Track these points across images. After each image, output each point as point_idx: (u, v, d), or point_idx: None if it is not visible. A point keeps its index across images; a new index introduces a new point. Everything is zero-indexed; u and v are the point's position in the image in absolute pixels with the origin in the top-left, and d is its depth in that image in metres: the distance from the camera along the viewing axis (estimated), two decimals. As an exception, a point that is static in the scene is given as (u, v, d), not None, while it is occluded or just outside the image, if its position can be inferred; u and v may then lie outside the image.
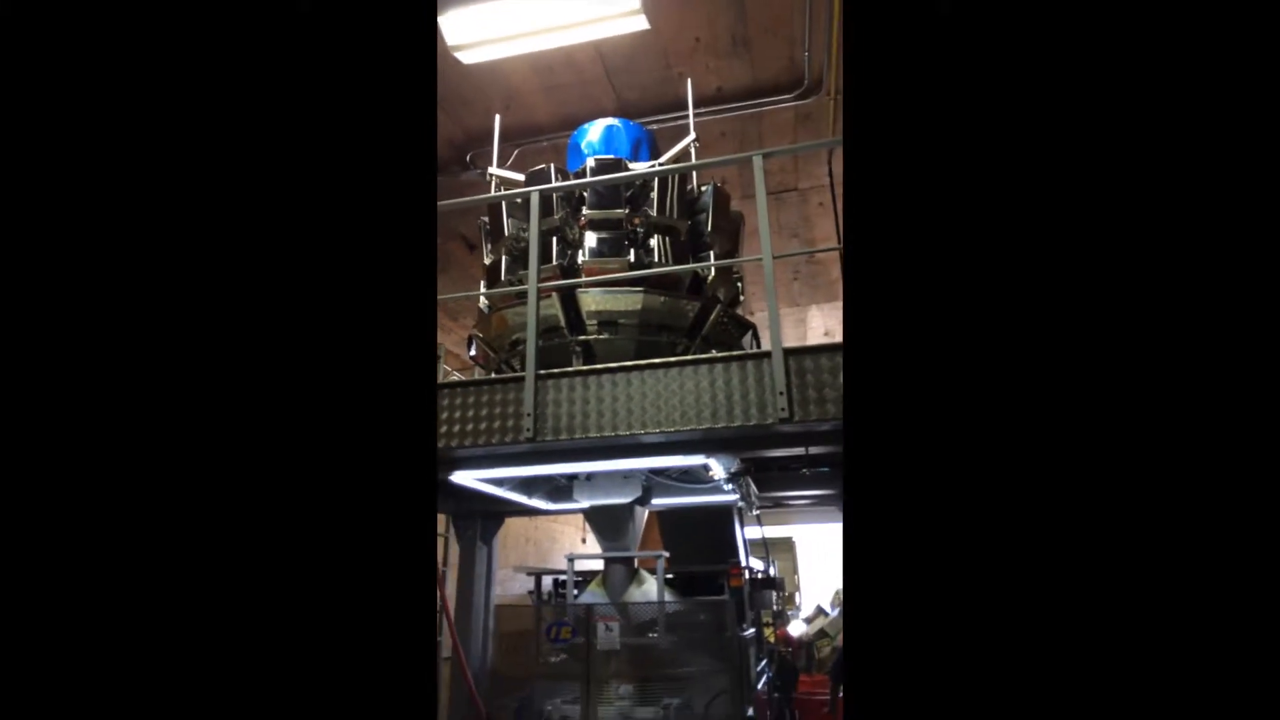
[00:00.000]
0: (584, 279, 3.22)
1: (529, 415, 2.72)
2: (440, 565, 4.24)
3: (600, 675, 3.11)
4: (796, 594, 8.81)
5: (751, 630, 3.72)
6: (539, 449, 2.84)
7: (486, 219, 3.88)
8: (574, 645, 3.21)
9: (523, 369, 2.84)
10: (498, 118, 4.36)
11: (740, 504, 3.90)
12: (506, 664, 3.58)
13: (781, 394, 2.51)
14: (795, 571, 9.05)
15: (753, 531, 5.17)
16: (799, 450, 2.97)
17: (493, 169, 4.02)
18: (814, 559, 9.67)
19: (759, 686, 3.64)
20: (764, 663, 4.21)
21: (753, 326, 3.71)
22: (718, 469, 3.10)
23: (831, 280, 6.52)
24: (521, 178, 3.83)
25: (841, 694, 5.04)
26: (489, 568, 4.52)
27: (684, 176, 3.65)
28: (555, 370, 2.80)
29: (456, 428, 2.79)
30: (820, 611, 7.79)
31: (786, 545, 8.87)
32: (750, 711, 3.20)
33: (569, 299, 3.24)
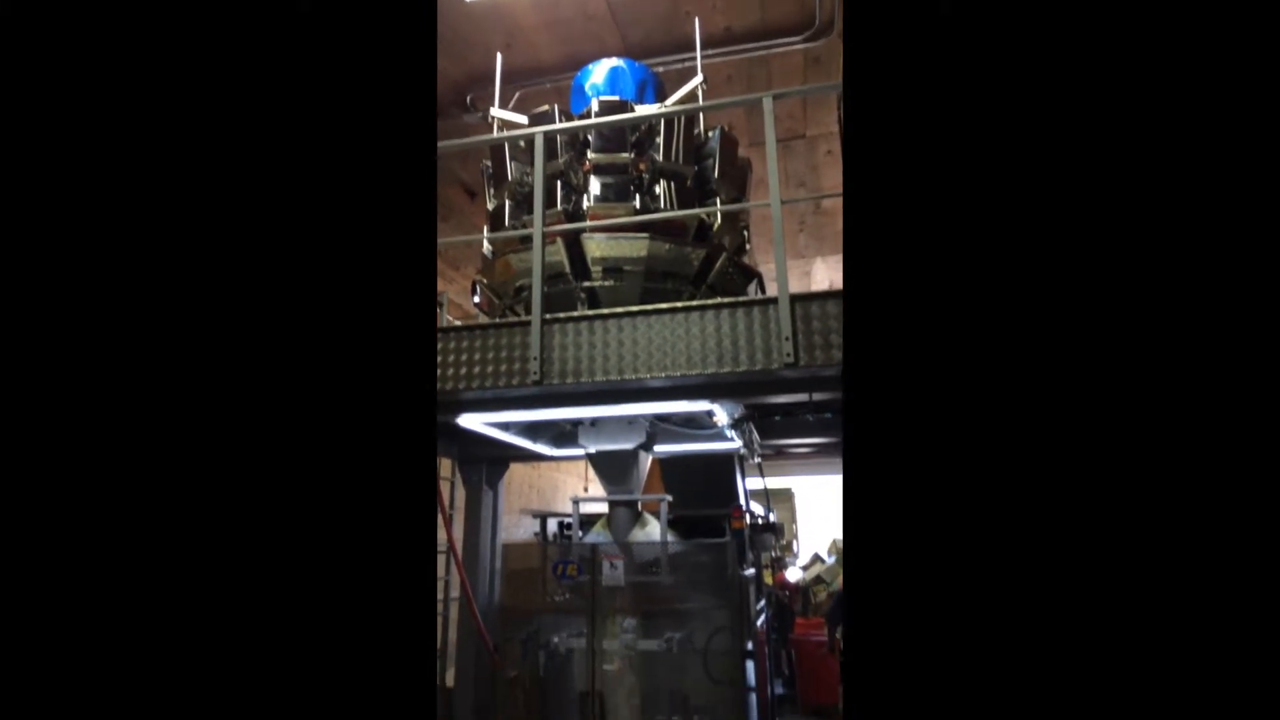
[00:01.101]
0: (589, 223, 3.20)
1: (535, 359, 2.74)
2: (446, 508, 4.33)
3: (605, 610, 3.22)
4: (795, 542, 9.03)
5: (751, 571, 3.83)
6: (545, 392, 2.87)
7: (489, 163, 3.82)
8: (579, 583, 3.32)
9: (527, 315, 2.85)
10: (499, 56, 4.24)
11: (742, 451, 3.96)
12: (514, 600, 3.71)
13: (787, 339, 2.52)
14: (794, 521, 9.25)
15: (754, 482, 5.27)
16: (802, 396, 2.99)
17: (494, 110, 3.94)
18: (812, 510, 9.88)
19: (758, 624, 3.76)
20: (762, 603, 4.35)
21: (758, 275, 3.70)
22: (721, 415, 3.14)
23: (837, 232, 6.45)
24: (524, 120, 3.75)
25: (839, 636, 5.23)
26: (495, 511, 4.63)
27: (691, 120, 3.57)
28: (561, 315, 2.81)
29: (464, 370, 2.82)
30: (817, 559, 8.00)
31: (786, 496, 9.05)
32: (749, 646, 3.33)
33: (574, 245, 3.22)
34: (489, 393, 2.87)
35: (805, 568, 8.07)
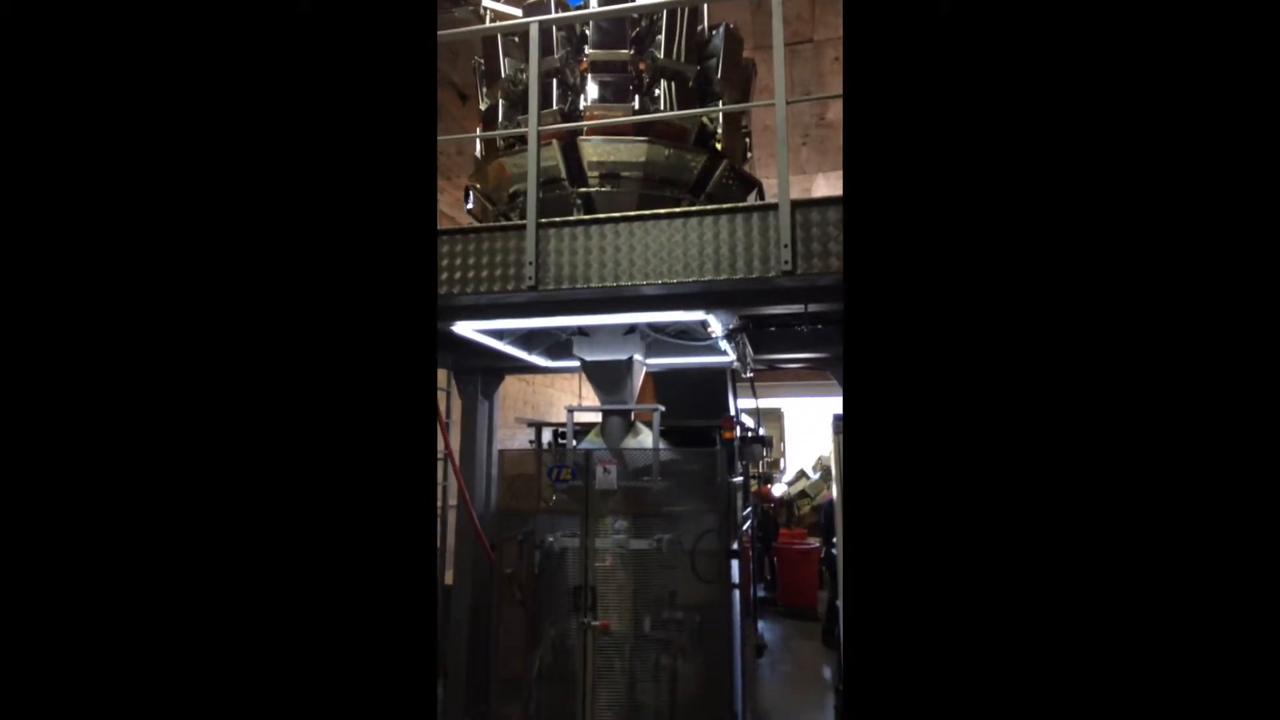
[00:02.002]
0: (586, 122, 3.08)
1: (530, 264, 2.71)
2: (443, 417, 4.41)
3: (598, 512, 3.35)
4: (782, 460, 9.31)
5: (740, 479, 3.96)
6: (540, 299, 2.86)
7: (481, 60, 3.63)
8: (574, 487, 3.43)
9: (522, 220, 2.79)
10: (490, -59, 3.93)
11: (735, 365, 4.00)
12: (510, 503, 3.83)
13: (786, 246, 2.49)
14: (782, 440, 9.50)
15: (746, 402, 5.37)
16: (798, 307, 3.00)
17: (487, 0, 3.69)
18: (800, 430, 10.12)
19: (744, 529, 3.93)
20: (749, 510, 4.53)
21: (758, 185, 3.61)
22: (716, 326, 3.14)
23: (840, 147, 6.25)
24: (518, 11, 3.53)
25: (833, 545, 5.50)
26: (490, 420, 4.71)
27: (694, 15, 3.37)
28: (557, 219, 2.75)
29: (458, 275, 2.78)
30: (802, 474, 8.27)
31: (775, 415, 9.24)
32: (735, 547, 3.49)
33: (570, 148, 3.11)
34: (483, 298, 2.85)
35: (790, 483, 8.36)
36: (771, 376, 8.89)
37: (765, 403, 8.32)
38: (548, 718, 3.28)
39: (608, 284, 2.66)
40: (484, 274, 2.77)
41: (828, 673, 4.98)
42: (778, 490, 8.09)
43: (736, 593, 3.55)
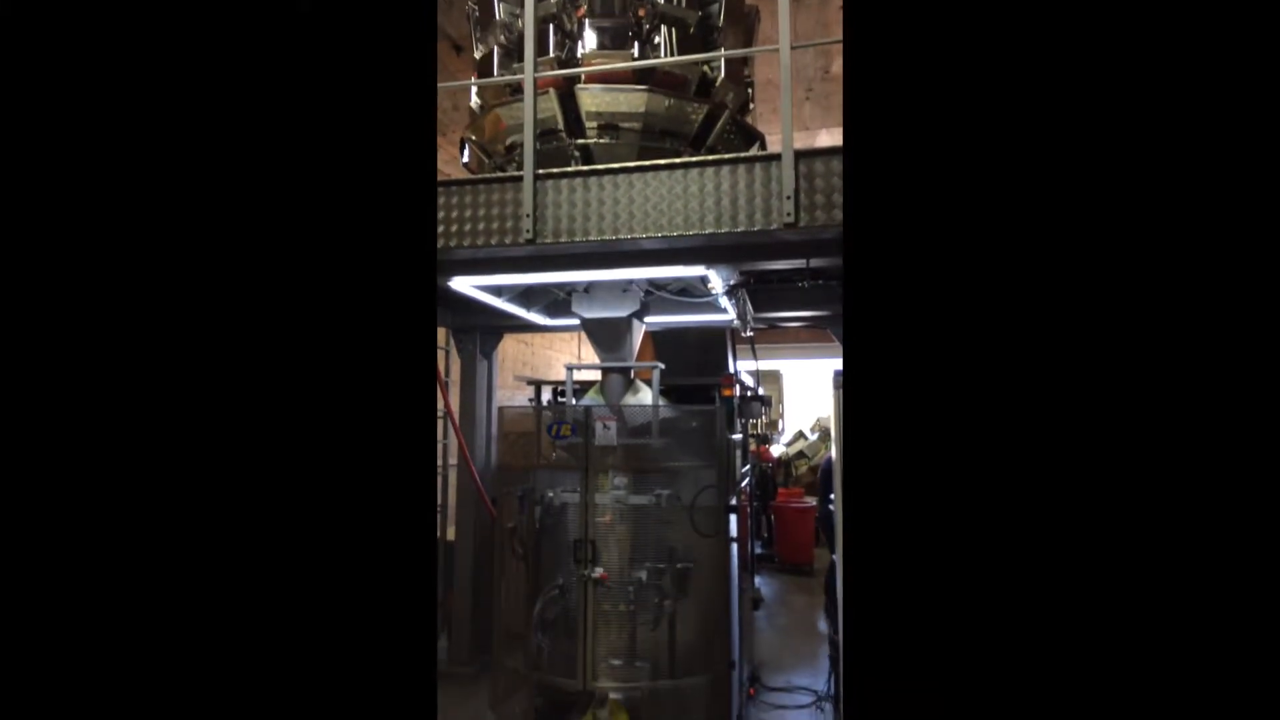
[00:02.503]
0: (584, 69, 2.99)
1: (528, 216, 2.66)
2: (442, 376, 4.40)
3: (598, 467, 3.37)
4: (780, 421, 9.36)
5: (739, 436, 3.98)
6: (539, 252, 2.82)
7: (475, 5, 3.50)
8: (574, 444, 3.44)
9: (519, 172, 2.73)
10: (483, -122, 3.75)
11: (735, 323, 3.98)
12: (510, 459, 3.86)
13: (788, 198, 2.44)
14: (780, 401, 9.54)
15: (746, 364, 5.36)
16: (799, 262, 2.96)
17: (480, -58, 3.55)
18: (798, 391, 10.15)
19: (742, 485, 3.97)
20: (748, 467, 4.57)
21: (760, 137, 3.53)
22: (716, 281, 3.11)
23: (845, 102, 6.10)
24: (513, -46, 3.39)
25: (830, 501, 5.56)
26: (489, 379, 4.71)
27: (696, -43, 3.24)
28: (555, 170, 2.70)
29: (455, 227, 2.74)
30: (800, 435, 8.33)
31: (774, 377, 9.26)
32: (733, 501, 3.53)
33: (567, 97, 3.03)
34: (481, 252, 2.82)
35: (789, 444, 8.43)
36: (771, 337, 8.88)
37: (764, 364, 8.34)
38: (550, 667, 3.36)
39: (606, 237, 2.62)
40: (480, 226, 2.73)
41: (823, 625, 5.11)
42: (776, 451, 8.16)
43: (734, 546, 3.60)
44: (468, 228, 2.74)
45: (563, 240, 2.66)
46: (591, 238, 2.63)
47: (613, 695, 3.18)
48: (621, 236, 2.61)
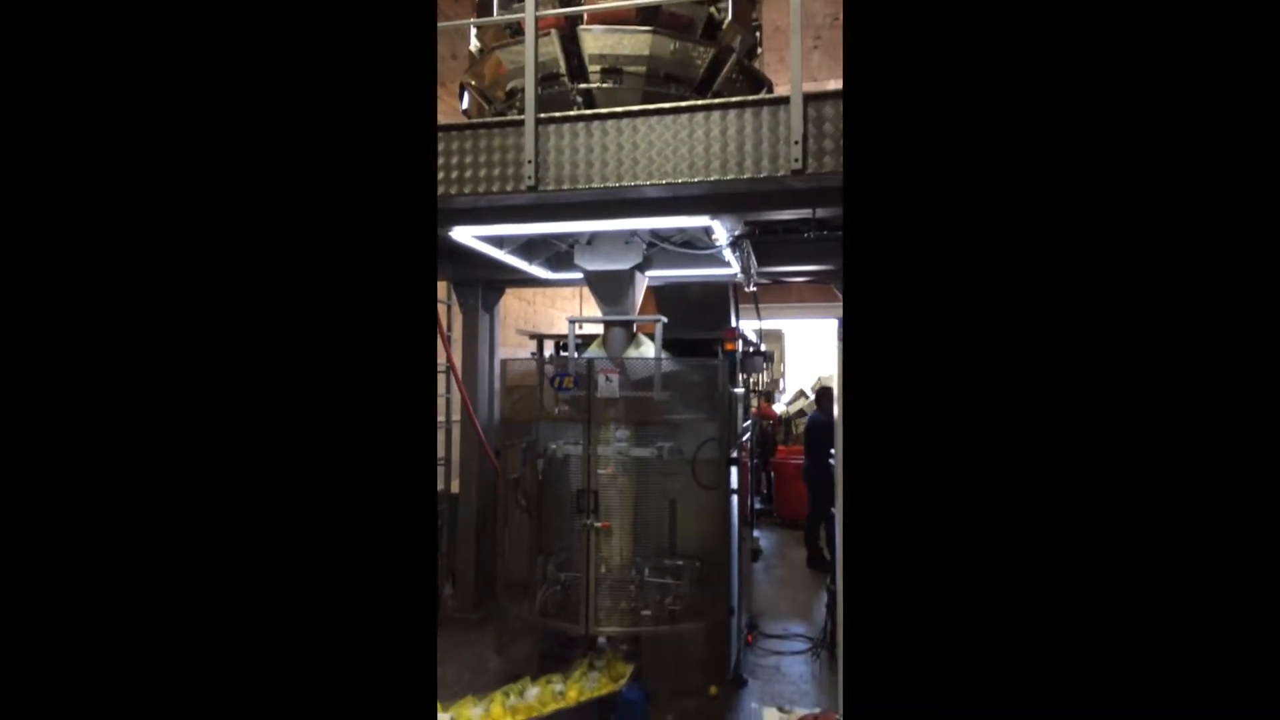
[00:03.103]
0: (587, 7, 2.88)
1: (530, 162, 2.61)
2: (444, 330, 4.39)
3: (600, 420, 3.39)
4: (781, 380, 9.38)
5: (741, 390, 3.98)
6: (540, 201, 2.77)
7: (472, -58, 3.36)
8: (576, 396, 3.45)
9: (521, 116, 2.66)
10: None
11: (739, 277, 3.94)
12: (513, 412, 3.88)
13: (796, 143, 2.38)
14: (782, 361, 9.54)
15: (749, 323, 5.33)
16: (805, 213, 2.91)
17: (477, -127, 3.39)
18: (800, 351, 10.15)
19: (743, 439, 4.00)
20: (749, 422, 4.59)
21: (768, 83, 3.43)
22: (720, 232, 3.06)
23: (855, 51, 5.91)
24: (511, -115, 3.24)
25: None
26: (492, 333, 4.70)
27: (704, -111, 3.09)
28: (557, 114, 2.63)
29: (455, 174, 2.69)
30: (801, 394, 8.35)
31: (776, 336, 9.24)
32: (734, 454, 3.56)
33: (570, 39, 2.93)
34: (482, 200, 2.77)
35: (790, 403, 8.47)
36: (773, 296, 8.82)
37: (766, 324, 8.31)
38: (554, 613, 3.44)
39: (610, 184, 2.57)
40: (481, 173, 2.67)
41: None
42: (778, 408, 8.21)
43: (735, 498, 3.65)
44: (468, 174, 2.68)
45: (565, 188, 2.61)
46: (594, 185, 2.58)
47: (612, 640, 3.27)
48: (625, 184, 2.55)
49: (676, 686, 3.31)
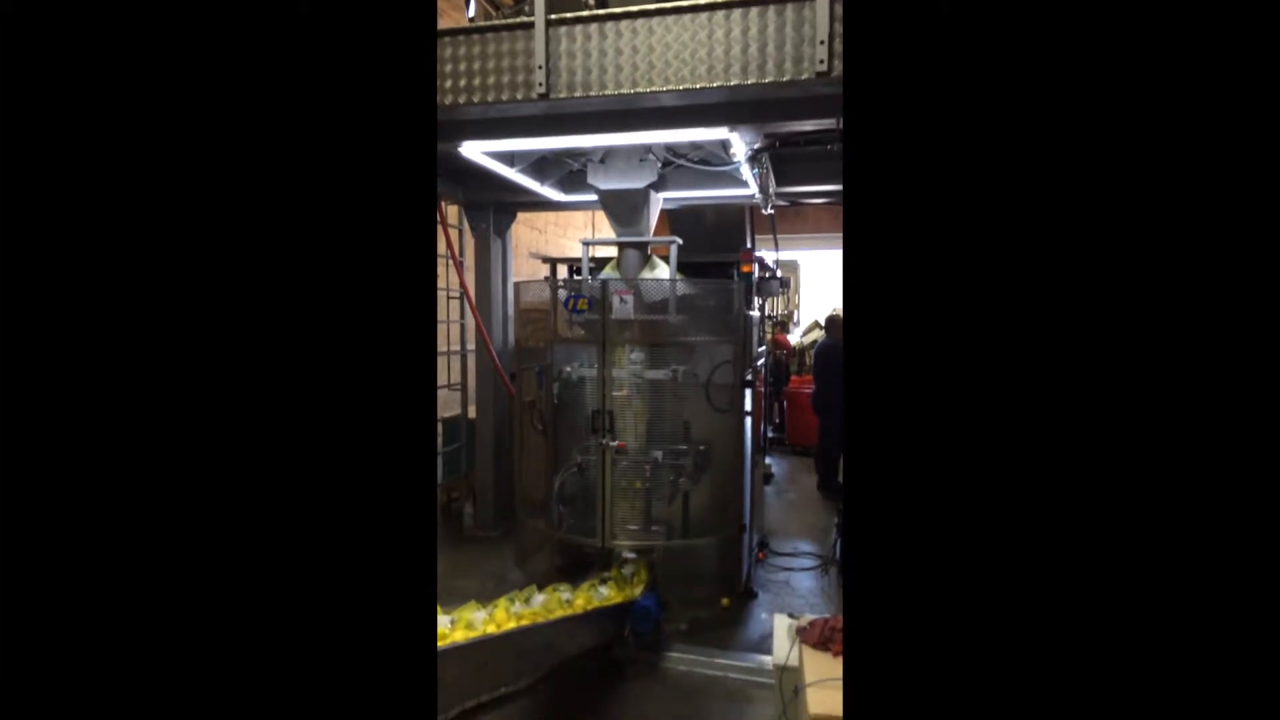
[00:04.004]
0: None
1: (540, 68, 2.49)
2: (457, 254, 4.35)
3: (614, 341, 3.38)
4: (796, 312, 9.30)
5: (756, 314, 3.95)
6: (552, 111, 2.67)
7: None
8: (590, 320, 3.43)
9: (530, 17, 2.52)
10: None
11: (756, 198, 3.83)
12: (527, 335, 3.88)
13: (822, 44, 2.25)
14: (797, 291, 9.42)
15: (766, 254, 5.21)
16: (829, 123, 2.78)
17: None
18: (815, 282, 10.01)
19: (758, 364, 3.99)
20: (764, 348, 4.58)
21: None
22: (739, 147, 2.95)
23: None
24: None
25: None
26: (504, 259, 4.65)
27: None
28: (568, 15, 2.49)
29: (462, 82, 2.58)
30: (816, 325, 8.29)
31: (792, 268, 9.09)
32: (749, 377, 3.56)
33: (580, -66, 2.74)
34: (492, 111, 2.67)
35: (805, 333, 8.42)
36: (790, 226, 8.63)
37: (782, 255, 8.17)
38: (571, 529, 3.55)
39: (624, 91, 2.45)
40: (490, 80, 2.56)
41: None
42: (792, 339, 8.17)
43: (749, 420, 3.67)
44: (476, 82, 2.58)
45: (577, 95, 2.50)
46: (608, 92, 2.47)
47: (630, 555, 3.38)
48: (640, 90, 2.44)
49: (689, 598, 3.45)
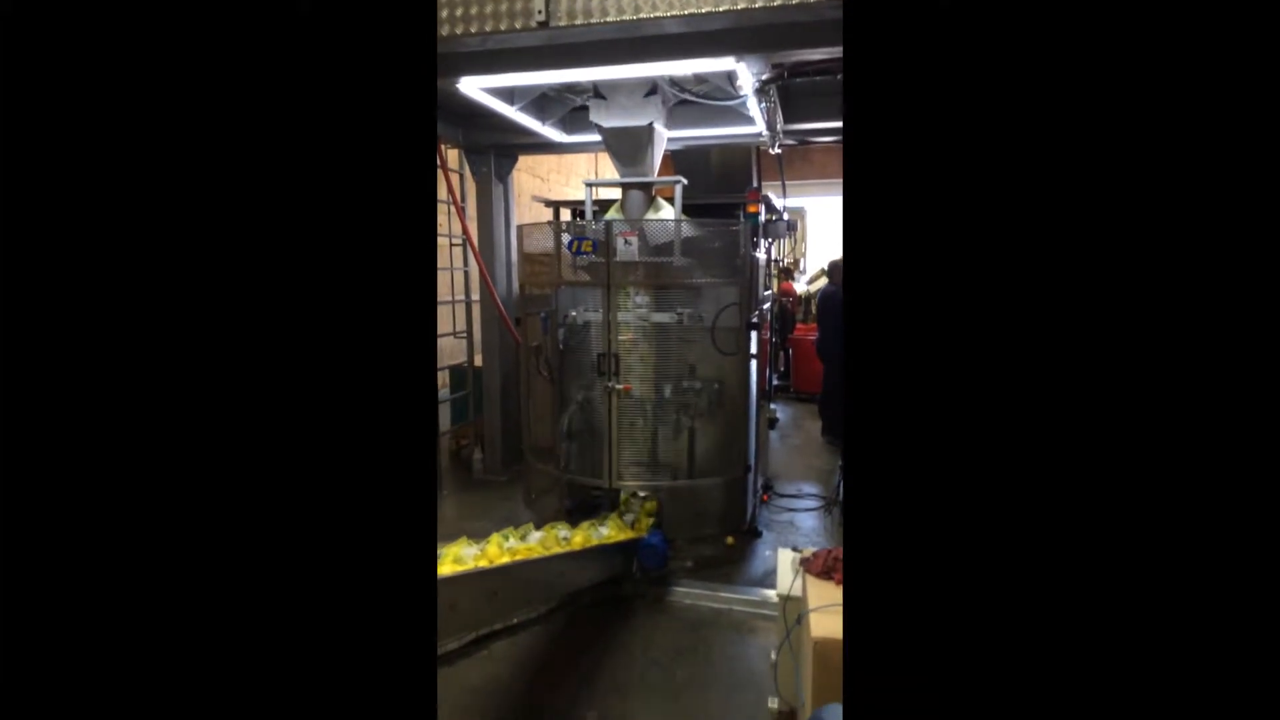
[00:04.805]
0: None
1: (539, -7, 2.39)
2: (458, 202, 4.28)
3: (619, 284, 3.36)
4: (802, 260, 9.19)
5: (763, 256, 3.90)
6: (552, 40, 2.58)
7: None
8: (594, 264, 3.40)
9: (527, -59, 2.41)
10: None
11: (763, 136, 3.73)
12: (531, 279, 3.86)
13: (832, -39, 2.14)
14: (803, 239, 9.29)
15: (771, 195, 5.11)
16: (840, 51, 2.68)
17: None
18: (822, 231, 9.86)
19: (764, 307, 3.96)
20: (770, 291, 4.54)
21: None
22: (746, 78, 2.85)
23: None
24: None
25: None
26: (507, 203, 4.59)
27: None
28: (566, -67, 2.38)
29: (459, 11, 2.49)
30: (821, 273, 8.20)
31: (797, 214, 8.93)
32: (754, 319, 3.54)
33: None
34: (490, 42, 2.58)
35: (810, 281, 8.35)
36: (796, 171, 8.43)
37: (789, 202, 8.02)
38: (578, 470, 3.60)
39: (626, 17, 2.36)
40: (488, 9, 2.47)
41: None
42: (799, 288, 8.10)
43: (754, 363, 3.68)
44: (473, 10, 2.48)
45: (578, 23, 2.41)
46: (609, 19, 2.38)
47: (641, 494, 3.44)
48: (643, 16, 2.35)
49: (695, 537, 3.52)
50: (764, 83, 2.97)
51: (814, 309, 8.08)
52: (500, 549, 2.43)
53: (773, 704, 2.33)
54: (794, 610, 2.31)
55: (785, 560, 2.50)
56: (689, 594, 3.15)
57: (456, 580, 2.03)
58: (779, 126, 3.61)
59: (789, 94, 3.55)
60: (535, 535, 2.67)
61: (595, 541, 2.89)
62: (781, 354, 7.22)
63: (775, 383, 6.70)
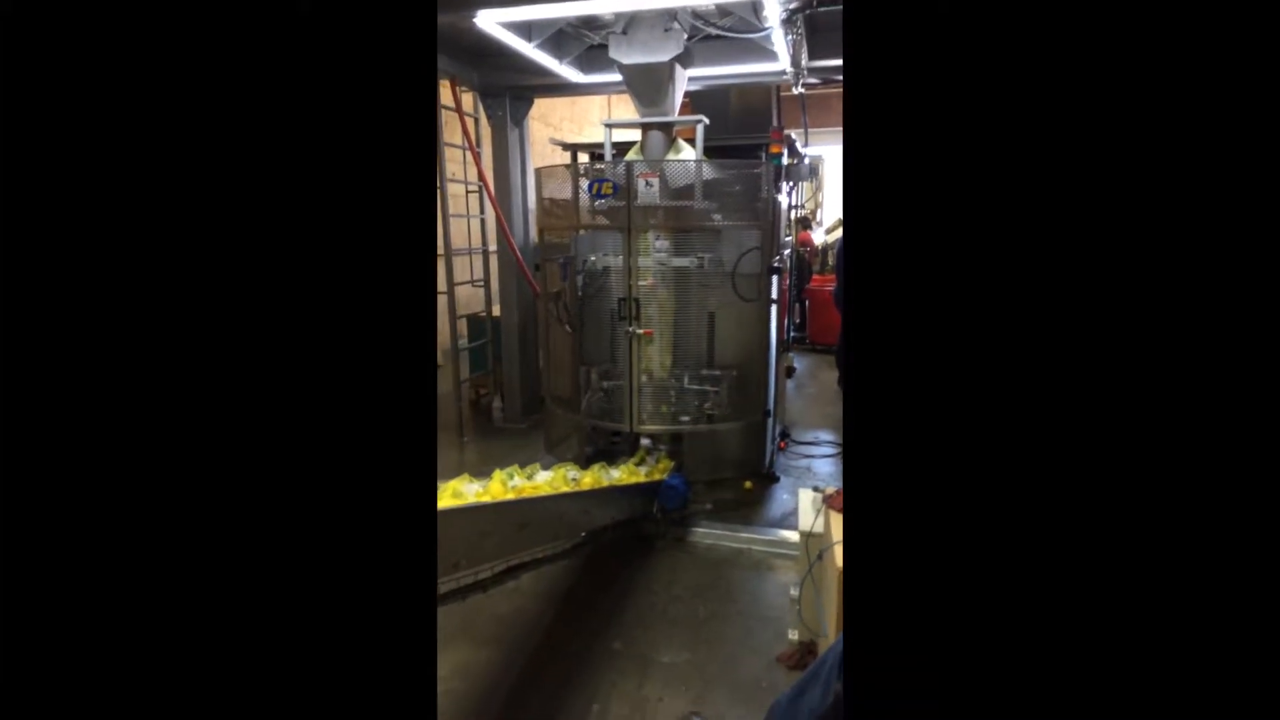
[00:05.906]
0: None
1: (559, -84, 2.29)
2: (474, 142, 4.21)
3: (639, 228, 3.31)
4: (820, 211, 9.01)
5: (785, 200, 3.83)
6: (572, -32, 2.48)
7: None
8: (613, 208, 3.35)
9: None
10: None
11: (787, 73, 3.61)
12: (549, 226, 3.82)
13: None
14: (821, 189, 9.09)
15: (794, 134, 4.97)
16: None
17: None
18: (840, 180, 9.64)
19: (785, 253, 3.91)
20: (790, 237, 4.47)
21: None
22: (772, 7, 2.74)
23: None
24: None
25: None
26: (523, 148, 4.51)
27: None
28: None
29: (475, -64, 2.39)
30: (839, 223, 8.05)
31: (817, 161, 8.72)
32: (775, 263, 3.50)
33: None
34: (507, -30, 2.49)
35: (828, 231, 8.22)
36: (817, 118, 8.18)
37: (809, 151, 7.82)
38: (600, 415, 3.64)
39: (651, -60, 2.26)
40: (505, -67, 2.38)
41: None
42: (816, 239, 7.97)
43: (774, 308, 3.65)
44: (490, -64, 2.39)
45: (600, -53, 2.31)
46: (633, -58, 2.28)
47: (660, 446, 3.47)
48: (668, -62, 2.25)
49: (714, 480, 3.57)
50: (791, 12, 2.85)
51: (831, 260, 7.97)
52: (504, 486, 2.33)
53: (793, 635, 2.39)
54: (815, 546, 2.35)
55: (806, 499, 2.53)
56: (709, 534, 3.21)
57: (487, 509, 2.08)
58: (804, 63, 3.49)
59: (815, 26, 3.41)
60: (543, 475, 2.61)
61: (605, 484, 2.82)
62: (798, 305, 7.16)
63: (792, 334, 6.67)
